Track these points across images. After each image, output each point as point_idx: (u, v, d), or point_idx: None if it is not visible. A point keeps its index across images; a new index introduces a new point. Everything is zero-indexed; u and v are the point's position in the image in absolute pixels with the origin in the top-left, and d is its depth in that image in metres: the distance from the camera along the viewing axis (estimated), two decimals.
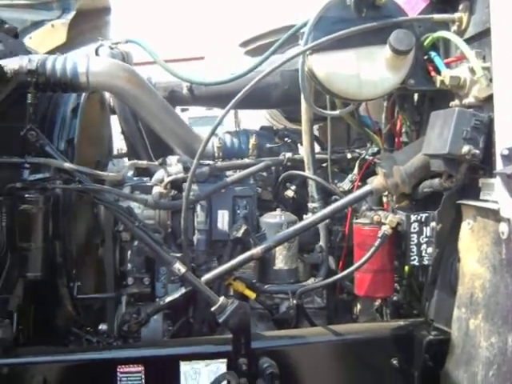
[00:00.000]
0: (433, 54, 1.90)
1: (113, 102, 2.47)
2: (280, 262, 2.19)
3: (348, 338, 2.10)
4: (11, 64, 1.86)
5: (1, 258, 1.92)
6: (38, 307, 2.08)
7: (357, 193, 2.06)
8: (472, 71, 1.72)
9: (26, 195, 1.90)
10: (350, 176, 2.37)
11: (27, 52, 2.03)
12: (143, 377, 1.95)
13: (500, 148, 1.62)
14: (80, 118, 2.18)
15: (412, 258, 1.96)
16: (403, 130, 2.20)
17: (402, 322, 2.15)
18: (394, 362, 2.07)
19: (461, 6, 1.86)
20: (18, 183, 1.89)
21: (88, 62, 1.90)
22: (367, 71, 1.88)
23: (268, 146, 2.38)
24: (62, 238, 2.06)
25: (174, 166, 2.30)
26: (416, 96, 2.13)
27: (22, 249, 1.91)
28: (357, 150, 2.41)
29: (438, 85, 1.84)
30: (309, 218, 2.08)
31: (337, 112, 2.12)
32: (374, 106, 2.38)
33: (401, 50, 1.80)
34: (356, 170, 2.36)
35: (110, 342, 2.10)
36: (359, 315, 2.44)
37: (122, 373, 1.95)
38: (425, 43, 1.93)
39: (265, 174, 2.36)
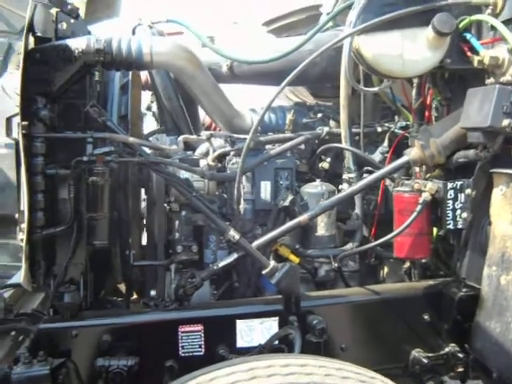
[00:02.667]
0: (468, 35, 2.07)
1: (154, 80, 2.56)
2: (322, 229, 2.36)
3: (384, 297, 2.29)
4: (78, 44, 1.96)
5: (70, 228, 2.03)
6: (98, 274, 2.20)
7: (395, 163, 2.24)
8: (511, 52, 1.89)
9: (94, 168, 2.01)
10: (380, 148, 2.55)
11: (88, 32, 2.12)
12: (203, 335, 2.12)
13: None
14: (131, 94, 2.28)
15: (448, 222, 2.16)
16: (433, 105, 2.37)
17: (431, 282, 2.36)
18: (426, 317, 2.28)
19: None
20: (85, 157, 2.00)
21: (152, 42, 2.00)
22: (410, 51, 2.04)
23: (304, 120, 2.52)
24: (119, 209, 2.19)
25: (218, 140, 2.43)
26: (447, 74, 2.30)
27: (90, 218, 2.03)
28: (386, 124, 2.57)
29: (475, 64, 2.01)
30: (350, 188, 2.25)
31: (375, 88, 2.27)
32: (396, 85, 2.55)
33: (444, 31, 1.96)
34: (386, 143, 2.54)
35: (167, 305, 2.24)
36: (386, 278, 2.64)
37: (183, 332, 2.11)
38: (460, 25, 2.09)
39: (302, 147, 2.51)
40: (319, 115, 2.58)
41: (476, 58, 2.01)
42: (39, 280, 2.07)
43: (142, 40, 2.01)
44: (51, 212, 2.04)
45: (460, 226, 2.16)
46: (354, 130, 2.51)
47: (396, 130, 2.53)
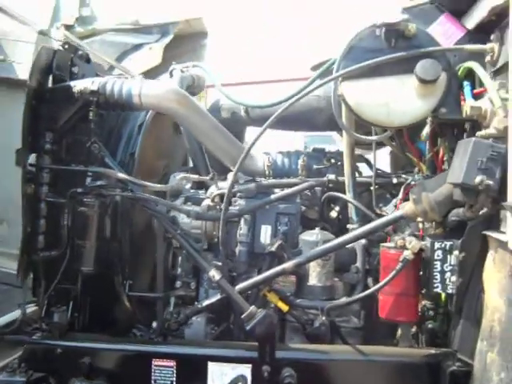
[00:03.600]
0: (465, 83, 1.92)
1: None
2: (313, 279, 2.28)
3: (373, 360, 2.13)
4: (79, 85, 2.16)
5: (63, 253, 2.21)
6: (93, 299, 2.34)
7: (388, 217, 2.10)
8: (492, 102, 1.72)
9: (84, 199, 2.18)
10: (394, 200, 2.40)
11: (96, 75, 2.33)
12: (175, 371, 2.14)
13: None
14: (143, 134, 2.43)
15: (435, 285, 1.97)
16: (445, 157, 2.20)
17: (432, 351, 2.14)
18: None
19: (493, 36, 1.87)
20: (79, 188, 2.18)
21: (141, 85, 2.14)
22: (396, 100, 1.94)
23: (315, 167, 2.48)
24: (119, 240, 2.32)
25: (227, 181, 2.48)
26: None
27: (78, 246, 2.19)
28: (403, 176, 2.43)
29: (463, 114, 1.85)
30: (340, 239, 2.16)
31: (374, 137, 2.18)
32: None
33: (426, 79, 1.84)
34: (400, 195, 2.39)
35: (152, 338, 2.31)
36: (400, 340, 2.45)
37: (156, 365, 2.15)
38: (459, 72, 1.94)
39: (310, 193, 2.46)
40: (333, 162, 2.51)
41: (464, 108, 1.85)
42: (40, 297, 2.28)
43: (133, 83, 2.16)
44: (52, 236, 2.23)
45: (450, 291, 1.96)
46: (365, 179, 2.42)
47: (412, 183, 2.37)
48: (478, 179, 1.69)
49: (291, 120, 2.23)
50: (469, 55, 1.95)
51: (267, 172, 2.50)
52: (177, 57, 4.31)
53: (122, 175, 2.17)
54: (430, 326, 2.25)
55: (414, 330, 2.35)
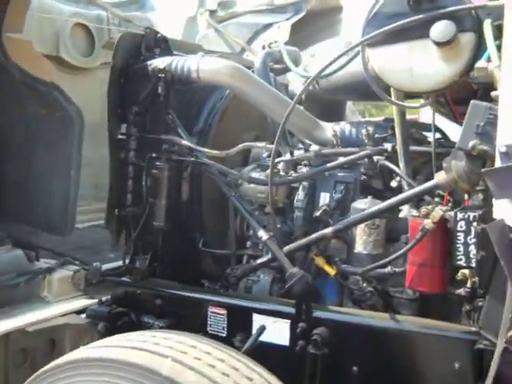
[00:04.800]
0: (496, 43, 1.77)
1: None
2: (359, 246, 2.31)
3: (412, 330, 2.10)
4: (153, 64, 2.48)
5: (143, 209, 2.59)
6: (170, 252, 2.67)
7: (422, 186, 2.06)
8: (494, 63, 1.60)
9: (157, 163, 2.52)
10: None
11: (172, 54, 2.62)
12: (226, 319, 2.39)
13: (500, 144, 1.51)
14: (222, 106, 2.69)
15: (459, 257, 1.89)
16: None
17: (474, 328, 2.05)
18: (456, 365, 2.01)
19: None
20: (154, 154, 2.52)
21: (199, 61, 2.38)
22: (420, 64, 1.88)
23: (376, 135, 2.46)
24: (190, 200, 2.62)
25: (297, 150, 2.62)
26: None
27: (151, 204, 2.54)
28: None
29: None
30: (377, 206, 2.16)
31: (417, 104, 2.12)
32: None
33: (438, 41, 1.77)
34: None
35: (216, 288, 2.58)
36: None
37: (211, 312, 2.42)
38: None
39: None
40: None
41: None
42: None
43: (193, 59, 2.40)
44: (136, 195, 2.62)
45: (474, 265, 1.86)
46: (424, 148, 2.35)
47: None
48: (471, 143, 1.60)
49: (358, 89, 2.26)
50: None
51: (335, 141, 2.56)
52: (313, 34, 4.45)
53: (185, 142, 2.46)
54: (480, 303, 2.13)
55: (468, 307, 2.24)
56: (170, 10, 4.40)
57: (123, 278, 2.67)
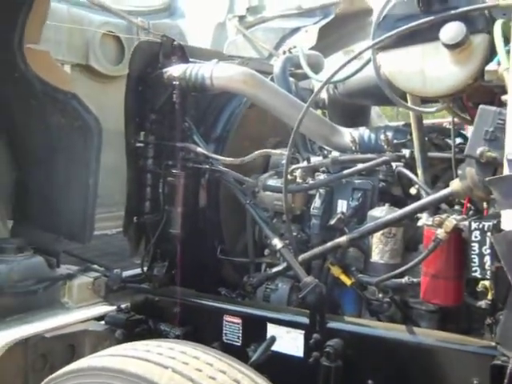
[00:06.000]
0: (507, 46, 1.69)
1: None
2: (376, 255, 2.24)
3: (429, 344, 2.03)
4: (168, 72, 2.48)
5: (161, 217, 2.59)
6: (188, 259, 2.66)
7: (437, 194, 1.98)
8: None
9: (173, 171, 2.52)
10: None
11: (188, 61, 2.62)
12: (241, 328, 2.36)
13: (508, 151, 1.43)
14: (240, 112, 2.67)
15: (474, 269, 1.80)
16: None
17: (493, 343, 1.95)
18: (475, 382, 1.92)
19: None
20: (170, 161, 2.52)
21: (213, 68, 2.37)
22: (431, 67, 1.81)
23: (395, 141, 2.39)
24: (207, 207, 2.61)
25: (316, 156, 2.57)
26: None
27: (168, 211, 2.54)
28: None
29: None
30: (393, 214, 2.10)
31: (432, 109, 2.04)
32: None
33: (448, 43, 1.70)
34: None
35: (234, 297, 2.55)
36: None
37: (227, 321, 2.40)
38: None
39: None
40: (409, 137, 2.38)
41: None
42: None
43: (207, 67, 2.39)
44: (154, 202, 2.63)
45: (489, 277, 1.77)
46: (445, 154, 2.26)
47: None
48: (479, 150, 1.52)
49: (373, 95, 2.20)
50: None
51: (353, 147, 2.50)
52: (342, 37, 4.38)
53: (200, 150, 2.45)
54: (501, 317, 2.03)
55: (489, 320, 2.14)
56: (199, 16, 4.41)
57: (142, 285, 2.68)
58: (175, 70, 2.47)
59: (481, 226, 1.77)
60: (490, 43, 1.72)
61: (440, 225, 1.87)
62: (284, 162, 2.67)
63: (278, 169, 2.66)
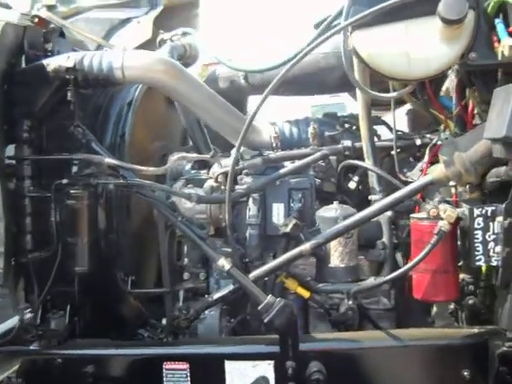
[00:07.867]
0: (497, 20, 1.63)
1: None
2: (336, 260, 2.03)
3: (410, 344, 1.90)
4: (54, 63, 1.90)
5: (54, 252, 1.98)
6: (93, 301, 2.11)
7: (415, 183, 1.85)
8: None
9: (71, 191, 1.93)
10: (419, 164, 2.14)
11: (73, 50, 2.06)
12: (188, 374, 1.92)
13: None
14: (134, 112, 2.18)
15: (477, 257, 1.71)
16: (475, 111, 1.92)
17: (476, 330, 1.90)
18: (466, 373, 1.84)
19: None
20: (64, 180, 1.93)
21: (123, 56, 1.88)
22: (417, 47, 1.66)
23: (326, 134, 2.21)
24: (115, 233, 2.08)
25: (231, 157, 2.22)
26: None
27: (69, 243, 1.95)
28: (428, 136, 2.16)
29: (499, 57, 1.57)
30: (363, 212, 1.91)
31: (394, 94, 1.91)
32: None
33: (451, 19, 1.56)
34: (426, 158, 2.12)
35: (161, 338, 2.08)
36: (435, 319, 2.20)
37: (167, 369, 1.94)
38: (488, 9, 1.65)
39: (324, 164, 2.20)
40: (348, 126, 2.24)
41: (499, 49, 1.57)
42: (34, 302, 2.05)
43: (114, 55, 1.90)
44: (40, 235, 2.00)
45: (494, 263, 1.71)
46: (386, 142, 2.15)
47: (439, 143, 2.10)
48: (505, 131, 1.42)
49: (298, 83, 1.96)
50: None
51: (274, 144, 2.23)
52: (169, 29, 4.05)
53: (110, 160, 1.92)
54: (470, 301, 1.99)
55: (451, 306, 2.11)
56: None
57: (31, 347, 2.02)
58: (64, 61, 1.89)
59: (483, 211, 1.69)
60: (476, 20, 1.64)
61: (436, 217, 1.74)
62: (188, 168, 2.30)
63: (189, 176, 2.24)
